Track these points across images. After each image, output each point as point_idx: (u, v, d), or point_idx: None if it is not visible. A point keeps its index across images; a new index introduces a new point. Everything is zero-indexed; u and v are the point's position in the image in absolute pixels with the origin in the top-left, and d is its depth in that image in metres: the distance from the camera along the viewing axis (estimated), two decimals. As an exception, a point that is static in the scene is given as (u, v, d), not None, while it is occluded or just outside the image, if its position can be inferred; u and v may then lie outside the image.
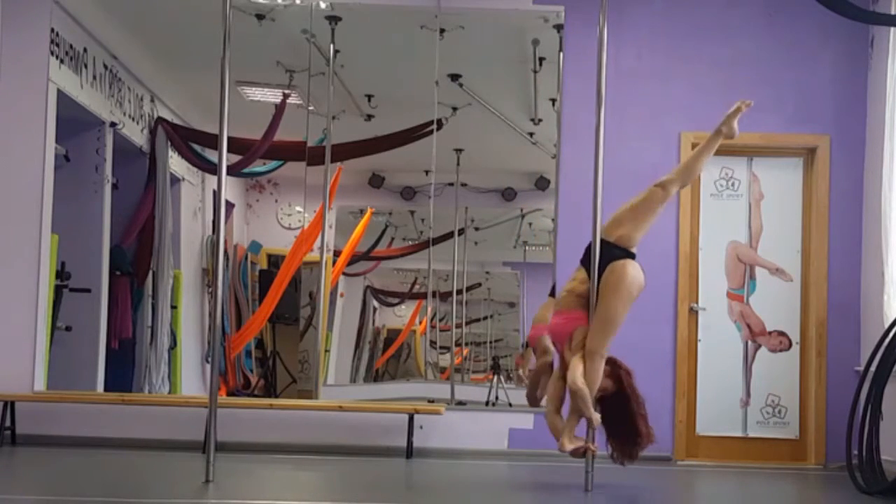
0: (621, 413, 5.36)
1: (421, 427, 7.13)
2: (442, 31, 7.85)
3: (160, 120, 8.99)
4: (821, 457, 7.16)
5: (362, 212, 9.05)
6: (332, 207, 8.58)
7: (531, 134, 8.38)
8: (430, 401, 7.97)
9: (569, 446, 5.24)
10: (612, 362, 5.37)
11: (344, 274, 8.95)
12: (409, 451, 6.98)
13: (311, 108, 8.53)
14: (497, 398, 8.12)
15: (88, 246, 8.06)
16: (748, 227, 7.44)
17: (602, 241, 5.36)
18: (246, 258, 9.70)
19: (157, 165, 8.84)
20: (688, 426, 7.24)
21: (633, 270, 5.34)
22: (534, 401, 6.13)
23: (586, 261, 5.45)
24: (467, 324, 8.81)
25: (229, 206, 9.29)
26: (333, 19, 8.00)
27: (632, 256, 5.42)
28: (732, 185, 7.46)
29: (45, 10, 7.26)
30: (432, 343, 8.99)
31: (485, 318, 9.03)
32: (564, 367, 5.37)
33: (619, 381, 5.37)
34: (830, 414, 7.12)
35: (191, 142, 8.91)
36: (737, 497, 5.98)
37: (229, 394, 9.04)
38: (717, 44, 7.39)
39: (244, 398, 8.93)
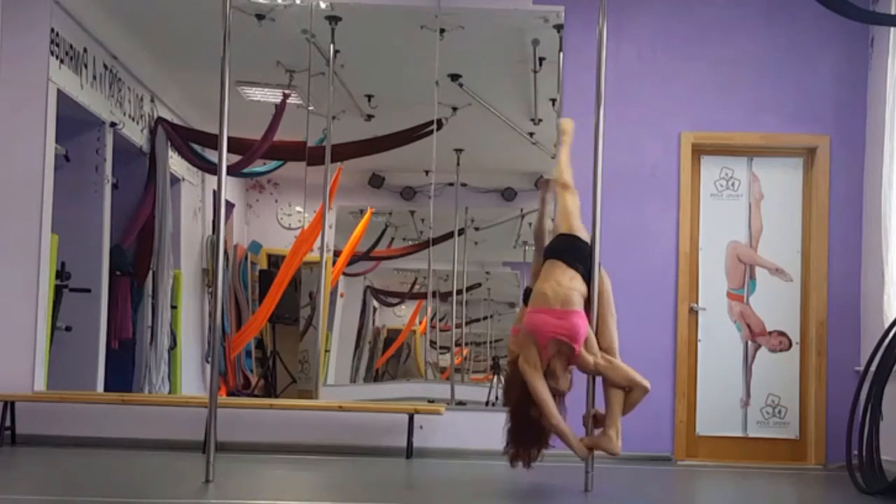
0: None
1: (421, 427, 7.13)
2: (442, 31, 7.85)
3: (160, 120, 8.99)
4: (821, 457, 7.16)
5: (362, 212, 9.04)
6: (332, 207, 8.58)
7: (531, 134, 8.37)
8: (430, 401, 7.96)
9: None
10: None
11: (344, 274, 8.94)
12: (409, 451, 6.98)
13: (311, 108, 8.53)
14: (497, 398, 8.11)
15: (88, 246, 8.06)
16: (748, 227, 7.44)
17: (582, 239, 5.40)
18: (246, 258, 9.69)
19: (157, 165, 8.84)
20: (688, 426, 7.24)
21: None
22: None
23: (565, 257, 5.36)
24: (467, 324, 8.80)
25: (229, 206, 9.29)
26: (333, 19, 8.00)
27: None
28: (732, 185, 7.45)
29: (45, 11, 7.26)
30: (432, 343, 8.98)
31: (485, 318, 9.02)
32: (587, 368, 5.26)
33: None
34: (830, 414, 7.12)
35: (191, 142, 8.90)
36: (737, 497, 5.98)
37: (229, 394, 9.03)
38: (718, 44, 7.39)
39: (244, 398, 8.92)
